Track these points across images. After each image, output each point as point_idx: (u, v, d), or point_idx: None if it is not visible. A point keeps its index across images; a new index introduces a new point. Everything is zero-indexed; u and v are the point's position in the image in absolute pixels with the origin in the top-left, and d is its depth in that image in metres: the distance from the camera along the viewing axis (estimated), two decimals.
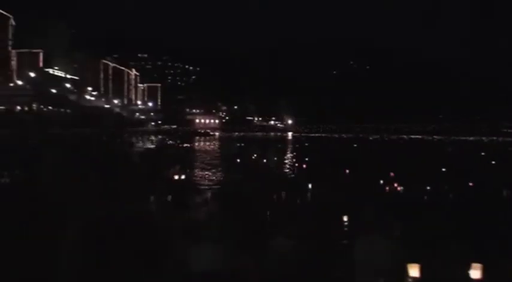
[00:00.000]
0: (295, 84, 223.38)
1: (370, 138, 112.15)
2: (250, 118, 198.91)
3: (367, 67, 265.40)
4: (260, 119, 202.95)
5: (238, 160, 28.35)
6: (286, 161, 34.79)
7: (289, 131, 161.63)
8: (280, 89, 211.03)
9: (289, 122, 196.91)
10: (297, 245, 5.73)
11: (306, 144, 76.94)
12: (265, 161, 28.09)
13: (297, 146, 71.80)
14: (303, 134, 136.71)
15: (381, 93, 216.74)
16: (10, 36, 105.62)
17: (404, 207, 11.50)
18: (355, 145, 70.79)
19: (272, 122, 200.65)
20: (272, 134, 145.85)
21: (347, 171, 21.17)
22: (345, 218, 9.65)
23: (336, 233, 8.66)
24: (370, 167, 22.80)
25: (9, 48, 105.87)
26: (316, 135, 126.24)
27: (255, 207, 10.82)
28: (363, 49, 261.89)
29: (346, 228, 9.33)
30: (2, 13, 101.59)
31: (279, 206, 12.53)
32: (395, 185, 16.47)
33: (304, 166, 23.93)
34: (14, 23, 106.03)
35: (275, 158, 31.79)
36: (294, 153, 45.86)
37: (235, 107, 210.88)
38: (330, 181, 16.52)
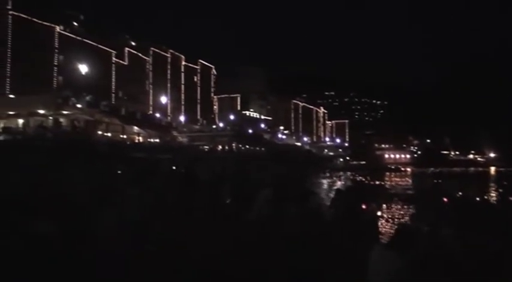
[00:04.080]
0: (497, 112, 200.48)
1: None
2: (445, 152, 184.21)
3: None
4: (457, 152, 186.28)
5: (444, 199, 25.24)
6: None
7: (492, 166, 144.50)
8: (480, 118, 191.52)
9: (491, 155, 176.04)
10: None
11: None
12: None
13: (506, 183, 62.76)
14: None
15: None
16: (212, 84, 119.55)
17: None
18: None
19: (471, 156, 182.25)
20: (472, 169, 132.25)
21: None
22: None
23: None
24: None
25: (212, 94, 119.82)
26: None
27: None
28: None
29: None
30: (205, 64, 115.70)
31: None
32: None
33: None
34: (215, 72, 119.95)
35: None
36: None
37: (428, 141, 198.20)
38: None
